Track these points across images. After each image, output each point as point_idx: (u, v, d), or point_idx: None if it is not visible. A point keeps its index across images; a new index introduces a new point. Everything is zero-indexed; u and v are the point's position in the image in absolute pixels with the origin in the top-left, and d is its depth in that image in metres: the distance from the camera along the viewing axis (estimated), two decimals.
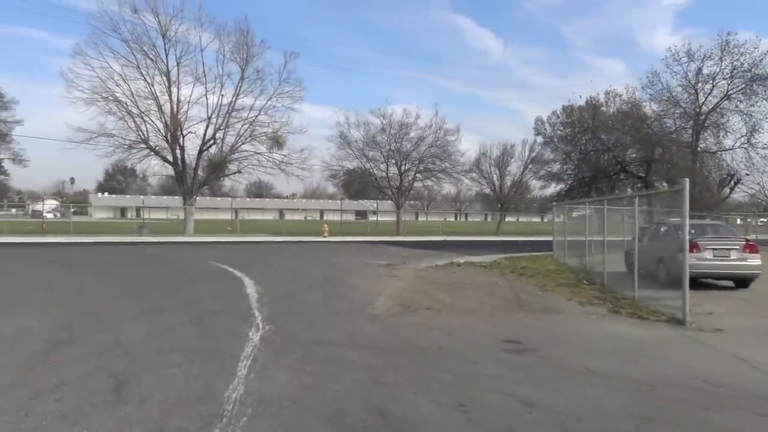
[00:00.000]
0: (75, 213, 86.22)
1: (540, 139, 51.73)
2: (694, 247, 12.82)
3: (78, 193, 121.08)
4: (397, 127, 47.79)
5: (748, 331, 8.88)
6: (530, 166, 56.64)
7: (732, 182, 36.76)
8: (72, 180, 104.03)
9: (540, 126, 49.62)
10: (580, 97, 45.91)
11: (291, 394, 5.30)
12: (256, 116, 41.58)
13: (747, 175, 36.29)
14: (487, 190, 63.63)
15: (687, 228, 9.20)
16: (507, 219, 69.48)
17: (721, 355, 7.21)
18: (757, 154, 34.77)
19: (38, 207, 76.80)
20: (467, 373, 6.09)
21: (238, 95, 41.09)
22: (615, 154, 39.65)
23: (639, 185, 37.58)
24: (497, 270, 17.82)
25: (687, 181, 9.03)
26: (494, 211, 68.74)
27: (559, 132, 47.64)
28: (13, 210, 79.22)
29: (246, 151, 42.38)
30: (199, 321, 8.83)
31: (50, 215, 78.06)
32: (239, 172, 43.70)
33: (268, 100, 41.38)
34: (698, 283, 12.85)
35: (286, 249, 27.88)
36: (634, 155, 39.11)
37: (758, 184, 49.52)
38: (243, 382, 5.62)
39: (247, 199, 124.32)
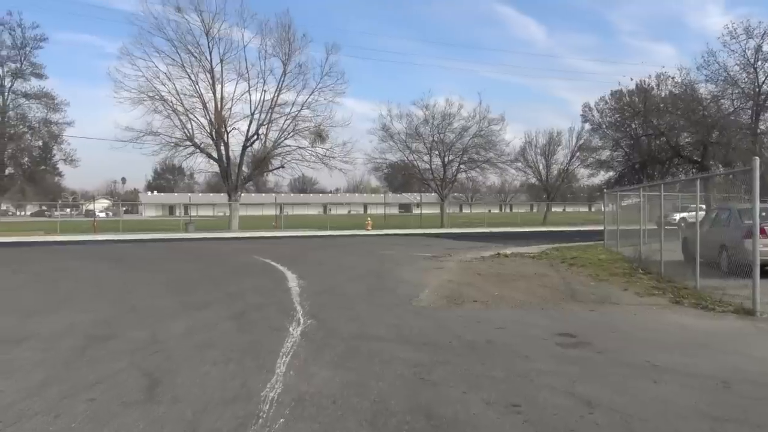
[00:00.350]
0: (126, 212, 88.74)
1: (587, 126, 50.29)
2: (761, 232, 11.96)
3: (129, 192, 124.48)
4: (440, 118, 47.10)
5: None
6: (578, 154, 55.21)
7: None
8: (123, 180, 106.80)
9: (587, 112, 48.19)
10: (631, 79, 44.03)
11: (332, 392, 4.98)
12: (299, 111, 41.55)
13: None
14: (533, 180, 62.35)
15: (758, 211, 8.52)
16: (553, 209, 67.94)
17: None
18: None
19: (92, 207, 79.15)
20: (520, 370, 5.66)
21: (280, 90, 41.13)
22: (668, 139, 38.07)
23: (693, 170, 36.01)
24: (546, 260, 17.21)
25: (757, 160, 8.33)
26: (540, 201, 67.38)
27: (607, 118, 46.12)
28: (68, 210, 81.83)
29: (289, 145, 42.46)
30: (240, 316, 8.63)
31: (102, 214, 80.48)
32: (282, 167, 43.85)
33: (310, 95, 41.30)
34: (765, 271, 12.01)
35: (330, 243, 27.75)
36: (688, 139, 37.50)
37: None
38: (281, 379, 5.34)
39: (291, 194, 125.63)
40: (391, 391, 5.00)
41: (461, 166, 48.88)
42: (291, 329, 7.55)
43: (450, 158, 47.97)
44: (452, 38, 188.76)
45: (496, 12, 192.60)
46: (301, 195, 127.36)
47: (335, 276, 13.97)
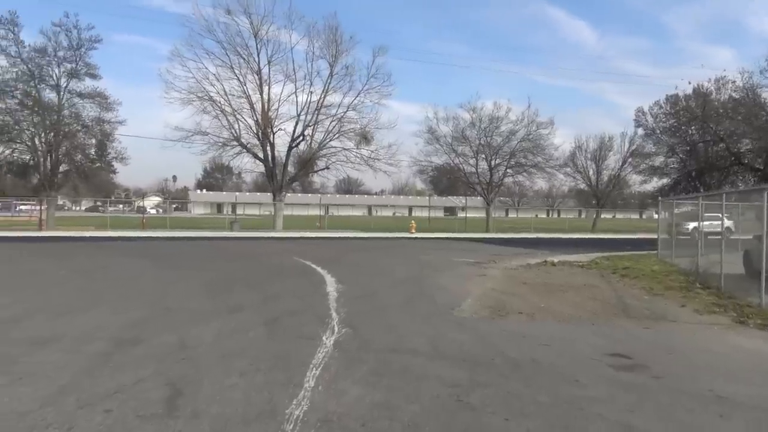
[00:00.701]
0: (176, 209, 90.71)
1: (641, 131, 48.44)
2: None
3: (179, 190, 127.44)
4: (487, 121, 46.36)
5: None
6: (630, 160, 53.30)
7: None
8: (174, 178, 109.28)
9: (641, 117, 46.49)
10: (689, 83, 42.32)
11: (361, 413, 4.61)
12: (345, 112, 41.48)
13: None
14: (582, 186, 60.62)
15: None
16: (603, 216, 65.99)
17: None
18: None
19: (143, 203, 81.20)
20: (568, 395, 5.16)
21: (327, 92, 41.16)
22: (727, 145, 36.41)
23: (754, 178, 34.30)
24: (596, 270, 16.46)
25: None
26: (589, 208, 65.54)
27: (662, 123, 44.46)
28: (120, 206, 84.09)
29: (334, 147, 42.42)
30: (273, 321, 8.33)
31: (153, 211, 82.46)
32: (327, 168, 43.83)
33: (356, 96, 41.19)
34: None
35: (373, 245, 27.45)
36: (749, 146, 35.74)
37: None
38: (309, 396, 4.99)
39: (337, 195, 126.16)
40: (426, 415, 4.59)
41: (508, 170, 47.98)
42: (324, 338, 7.21)
43: (497, 162, 47.16)
44: (502, 41, 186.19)
45: (546, 14, 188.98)
46: (346, 196, 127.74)
47: (375, 281, 13.61)
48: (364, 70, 41.52)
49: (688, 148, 41.56)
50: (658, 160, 45.82)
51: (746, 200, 19.54)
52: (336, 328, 7.83)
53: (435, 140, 47.01)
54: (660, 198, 24.37)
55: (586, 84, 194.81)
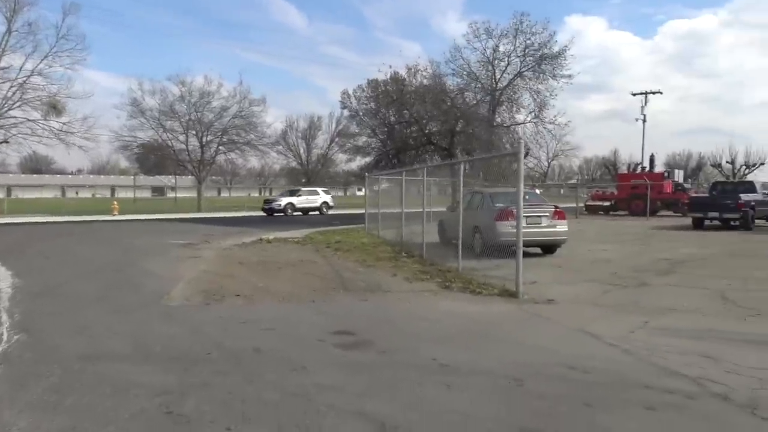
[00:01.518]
0: None
1: (346, 112, 51.20)
2: (508, 215, 12.63)
3: None
4: (198, 96, 44.33)
5: (576, 300, 8.52)
6: (337, 140, 56.16)
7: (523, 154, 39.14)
8: None
9: (346, 99, 48.87)
10: (390, 67, 45.78)
11: None
12: (28, 77, 35.36)
13: (529, 150, 39.27)
14: (294, 164, 62.17)
15: (522, 194, 8.66)
16: None
17: (570, 331, 6.56)
18: (545, 128, 37.56)
19: None
20: (296, 386, 4.62)
21: (3, 52, 34.59)
22: (420, 127, 40.36)
23: (438, 157, 38.64)
24: (311, 245, 16.56)
25: (522, 144, 8.43)
26: (299, 186, 67.58)
27: (364, 106, 47.41)
28: None
29: (14, 117, 35.95)
30: None
31: None
32: (7, 142, 36.98)
33: (42, 60, 35.40)
34: (509, 251, 12.70)
35: (67, 230, 23.94)
36: (436, 128, 40.17)
37: (536, 158, 54.64)
38: None
39: (22, 175, 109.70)
40: None
41: (220, 147, 46.69)
42: None
43: (208, 139, 45.44)
44: (214, 15, 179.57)
45: None
46: (34, 176, 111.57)
47: (65, 271, 11.58)
48: (52, 30, 35.93)
49: (387, 129, 45.01)
50: (362, 140, 48.83)
51: (438, 175, 21.67)
52: (5, 335, 6.17)
53: (140, 113, 43.31)
54: (366, 174, 25.76)
55: (297, 66, 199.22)
